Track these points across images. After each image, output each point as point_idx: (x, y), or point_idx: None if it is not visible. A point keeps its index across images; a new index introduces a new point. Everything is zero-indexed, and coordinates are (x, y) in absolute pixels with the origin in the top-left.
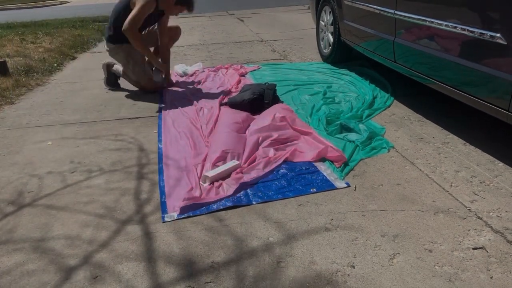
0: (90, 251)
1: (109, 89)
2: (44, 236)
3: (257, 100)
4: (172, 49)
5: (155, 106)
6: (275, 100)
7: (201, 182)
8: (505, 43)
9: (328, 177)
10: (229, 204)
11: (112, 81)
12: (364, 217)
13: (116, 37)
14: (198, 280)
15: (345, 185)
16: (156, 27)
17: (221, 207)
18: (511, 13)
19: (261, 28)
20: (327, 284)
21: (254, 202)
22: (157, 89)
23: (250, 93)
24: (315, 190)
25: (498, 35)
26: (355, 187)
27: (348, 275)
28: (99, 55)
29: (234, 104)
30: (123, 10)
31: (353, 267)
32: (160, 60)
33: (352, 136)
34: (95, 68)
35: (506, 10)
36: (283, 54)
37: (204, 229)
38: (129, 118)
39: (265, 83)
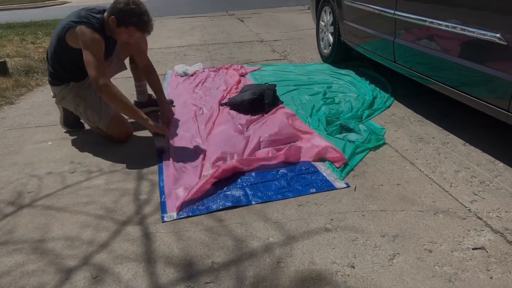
0: (90, 251)
1: (67, 131)
2: (43, 237)
3: (257, 100)
4: (172, 50)
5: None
6: (275, 100)
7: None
8: (505, 43)
9: (327, 177)
10: (228, 204)
11: (70, 120)
12: (364, 217)
13: (57, 76)
14: (198, 280)
15: (345, 185)
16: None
17: (221, 207)
18: (511, 13)
19: (261, 28)
20: (327, 285)
21: (253, 202)
22: (128, 135)
23: (250, 93)
24: (314, 190)
25: (498, 35)
26: (355, 187)
27: (348, 275)
28: None
29: (234, 104)
30: (58, 44)
31: (353, 267)
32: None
33: (352, 136)
34: None
35: (506, 10)
36: (283, 54)
37: (204, 230)
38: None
39: (265, 83)
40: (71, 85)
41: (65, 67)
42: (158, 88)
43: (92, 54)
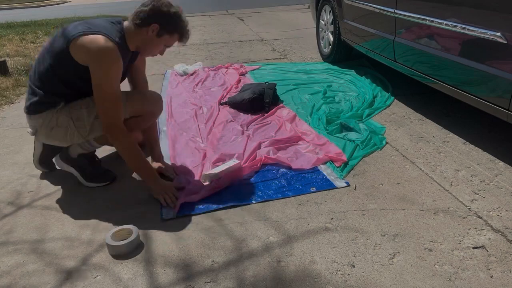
0: (90, 251)
1: (43, 170)
2: (43, 237)
3: (257, 99)
4: (172, 49)
5: None
6: (275, 99)
7: (201, 181)
8: (505, 42)
9: (328, 177)
10: (228, 203)
11: (49, 158)
12: (364, 217)
13: (44, 101)
14: (198, 279)
15: (345, 185)
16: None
17: (221, 206)
18: (511, 12)
19: (261, 27)
20: (327, 284)
21: (253, 202)
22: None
23: (250, 92)
24: (315, 189)
25: (498, 34)
26: (355, 187)
27: (348, 274)
28: None
29: (234, 104)
30: (58, 59)
31: (353, 266)
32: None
33: (352, 135)
34: None
35: (506, 9)
36: (283, 53)
37: (204, 229)
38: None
39: (265, 82)
40: (61, 106)
41: (67, 85)
42: (153, 136)
43: (110, 80)
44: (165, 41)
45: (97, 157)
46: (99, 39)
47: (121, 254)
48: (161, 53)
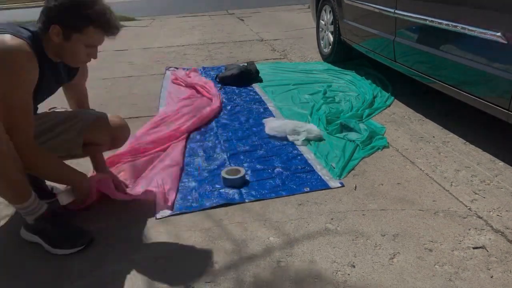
0: (87, 253)
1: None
2: None
3: (244, 73)
4: (172, 49)
5: (155, 106)
6: (257, 73)
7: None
8: (505, 42)
9: (322, 177)
10: (222, 201)
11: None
12: (365, 217)
13: None
14: (197, 280)
15: (339, 185)
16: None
17: (214, 204)
18: (511, 12)
19: (261, 27)
20: (327, 284)
21: (247, 200)
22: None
23: (236, 69)
24: (308, 189)
25: (499, 34)
26: (355, 187)
27: (349, 274)
28: (99, 54)
29: (225, 78)
30: None
31: (353, 266)
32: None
33: (352, 135)
34: (95, 67)
35: (506, 9)
36: (283, 53)
37: (204, 229)
38: (129, 118)
39: (242, 64)
40: None
41: None
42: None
43: (14, 99)
44: (80, 40)
45: (63, 214)
46: (5, 38)
47: (235, 186)
48: (92, 56)
